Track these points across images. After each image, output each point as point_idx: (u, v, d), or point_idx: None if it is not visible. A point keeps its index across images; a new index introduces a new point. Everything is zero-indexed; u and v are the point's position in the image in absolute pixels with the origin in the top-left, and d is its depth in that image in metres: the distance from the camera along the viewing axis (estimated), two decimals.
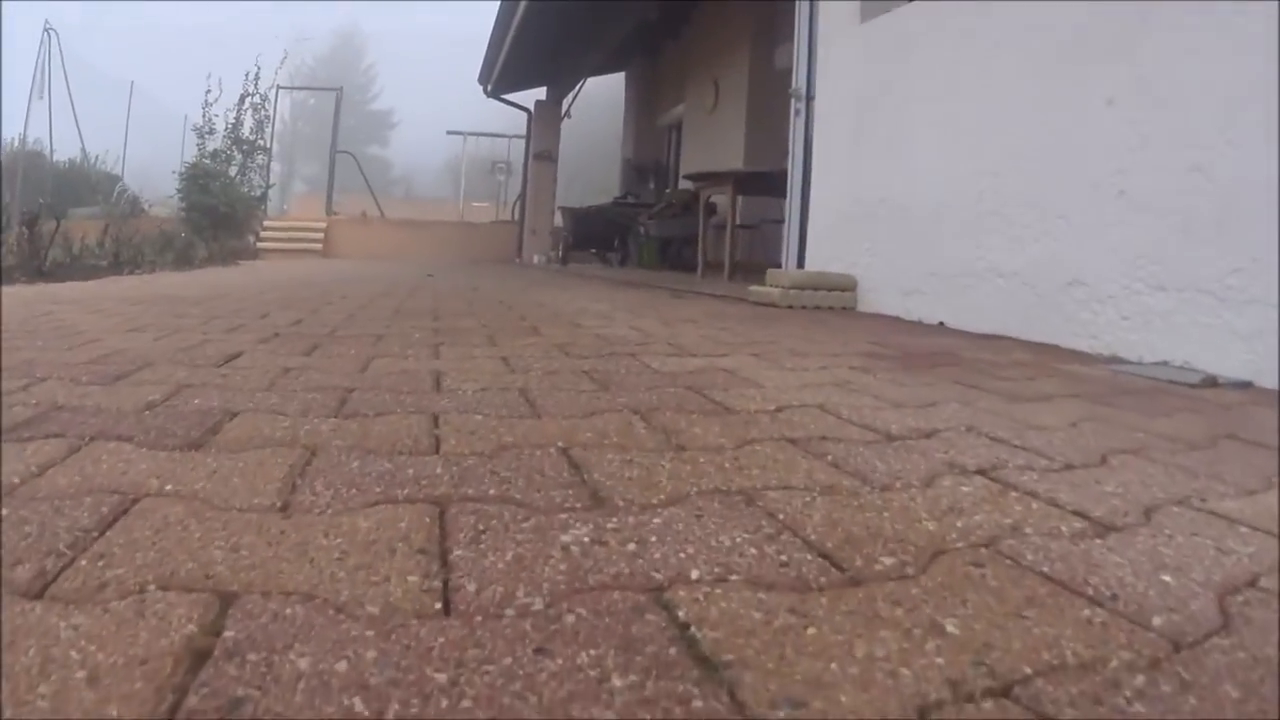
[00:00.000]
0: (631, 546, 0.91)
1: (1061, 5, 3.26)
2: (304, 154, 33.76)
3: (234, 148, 13.89)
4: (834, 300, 4.58)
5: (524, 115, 15.70)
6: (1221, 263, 2.55)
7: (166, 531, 0.91)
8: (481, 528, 0.95)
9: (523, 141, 16.28)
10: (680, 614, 0.75)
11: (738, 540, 0.93)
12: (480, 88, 15.27)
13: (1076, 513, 1.09)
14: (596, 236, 12.69)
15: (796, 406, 1.74)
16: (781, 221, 5.64)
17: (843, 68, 4.92)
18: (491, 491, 1.09)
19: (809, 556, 0.90)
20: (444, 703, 0.60)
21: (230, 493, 1.05)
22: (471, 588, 0.79)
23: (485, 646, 0.68)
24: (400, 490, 1.08)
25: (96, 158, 17.90)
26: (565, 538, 0.92)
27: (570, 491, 1.10)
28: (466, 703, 0.60)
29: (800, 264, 5.14)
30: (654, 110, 15.67)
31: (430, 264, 11.96)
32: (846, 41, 4.88)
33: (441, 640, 0.68)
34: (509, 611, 0.74)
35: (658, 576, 0.83)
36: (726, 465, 1.25)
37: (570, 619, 0.73)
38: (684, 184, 10.97)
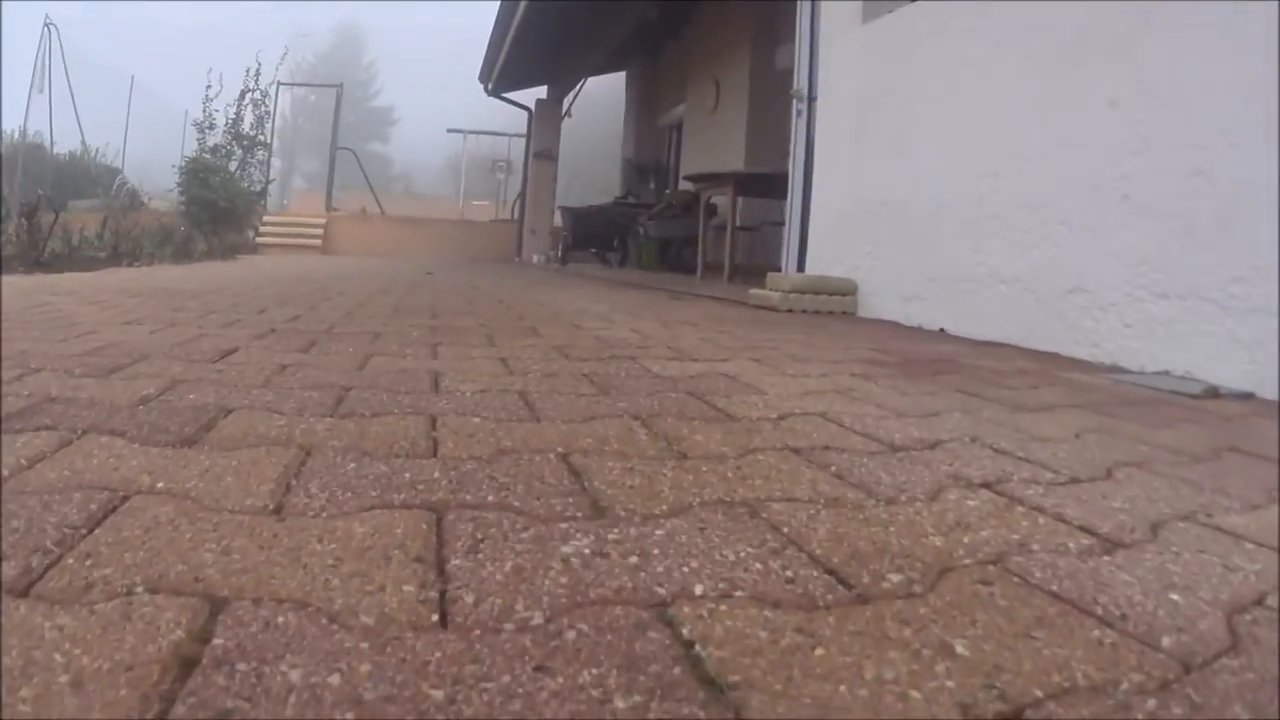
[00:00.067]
0: (634, 559, 0.89)
1: (1062, 6, 3.25)
2: (304, 150, 33.70)
3: (234, 143, 13.89)
4: (834, 305, 4.57)
5: (524, 114, 15.69)
6: (1223, 270, 2.54)
7: (156, 531, 0.89)
8: (480, 536, 0.93)
9: (523, 140, 16.27)
10: (684, 631, 0.73)
11: (742, 554, 0.92)
12: (481, 86, 15.26)
13: (1083, 529, 1.07)
14: (596, 236, 12.68)
15: (799, 414, 1.72)
16: (782, 224, 5.62)
17: (844, 68, 4.91)
18: (490, 498, 1.07)
19: (815, 572, 0.88)
20: None
21: (223, 492, 1.03)
22: (469, 599, 0.77)
23: (483, 662, 0.66)
24: (397, 495, 1.06)
25: (97, 151, 17.87)
26: (566, 549, 0.90)
27: (570, 500, 1.08)
28: None
29: (800, 267, 5.13)
30: (655, 110, 15.66)
31: (429, 262, 11.95)
32: (848, 42, 4.87)
33: (438, 655, 0.66)
34: (508, 626, 0.72)
35: (661, 591, 0.81)
36: (729, 475, 1.24)
37: (571, 635, 0.71)
38: (684, 185, 10.96)
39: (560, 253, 13.13)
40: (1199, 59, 2.68)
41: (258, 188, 14.37)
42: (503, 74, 14.26)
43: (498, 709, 0.60)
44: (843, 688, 0.65)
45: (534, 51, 12.88)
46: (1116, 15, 3.01)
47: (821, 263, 4.93)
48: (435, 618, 0.73)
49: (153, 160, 17.10)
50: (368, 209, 17.13)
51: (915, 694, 0.64)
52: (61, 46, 16.29)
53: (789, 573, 0.87)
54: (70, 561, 0.80)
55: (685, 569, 0.87)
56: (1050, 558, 0.95)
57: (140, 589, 0.75)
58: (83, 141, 17.53)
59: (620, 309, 4.44)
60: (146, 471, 1.10)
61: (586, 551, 0.90)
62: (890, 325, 4.10)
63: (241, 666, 0.63)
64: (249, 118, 14.19)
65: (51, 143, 16.56)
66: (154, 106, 19.87)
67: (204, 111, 13.48)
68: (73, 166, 17.07)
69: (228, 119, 13.84)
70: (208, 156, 13.14)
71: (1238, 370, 2.46)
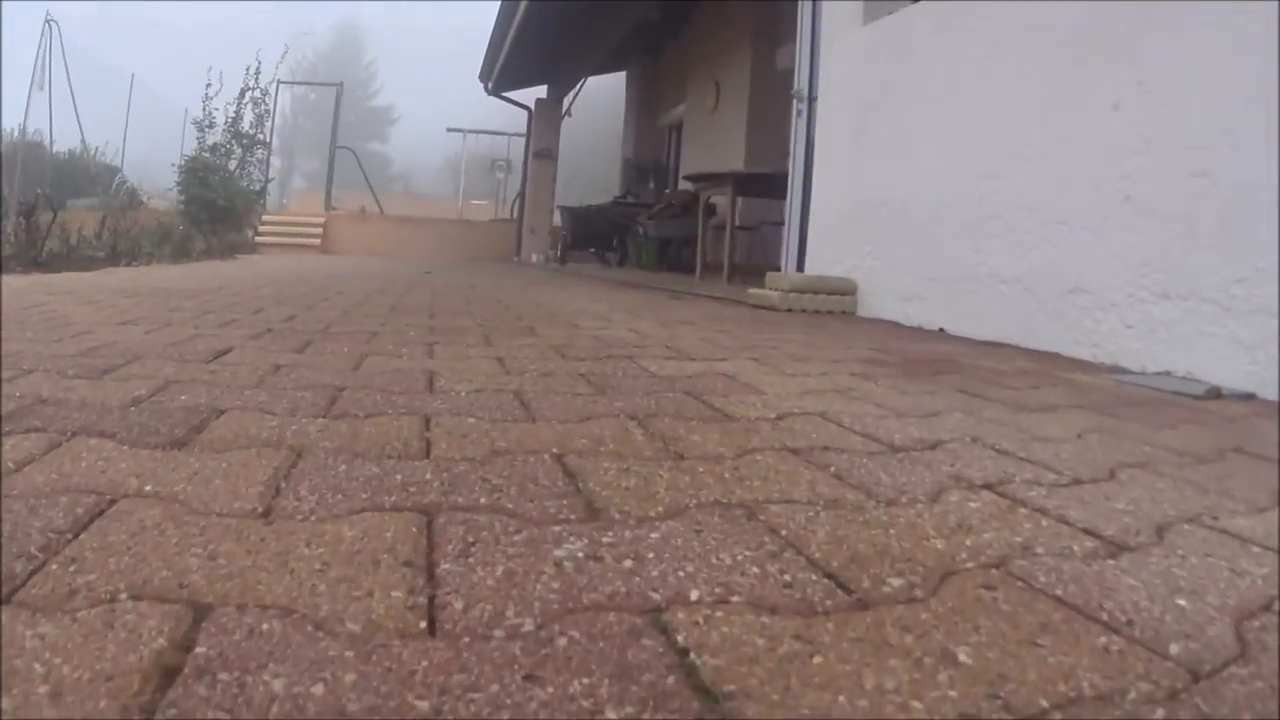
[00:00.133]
0: (628, 563, 0.87)
1: (1063, 6, 3.23)
2: (304, 149, 33.71)
3: (234, 142, 13.89)
4: (833, 304, 4.55)
5: (524, 113, 15.68)
6: (1225, 271, 2.52)
7: (143, 536, 0.87)
8: (471, 539, 0.91)
9: (523, 139, 16.26)
10: (679, 638, 0.71)
11: (739, 558, 0.90)
12: (481, 85, 15.25)
13: (1088, 531, 1.05)
14: (595, 236, 12.67)
15: (798, 414, 1.71)
16: (781, 224, 5.61)
17: (845, 69, 4.89)
18: (482, 500, 1.05)
19: (814, 577, 0.86)
20: None
21: (211, 495, 1.02)
22: (459, 606, 0.75)
23: (471, 671, 0.64)
24: (387, 497, 1.04)
25: (96, 149, 17.87)
26: (558, 552, 0.89)
27: (564, 502, 1.06)
28: None
29: (800, 267, 5.11)
30: (654, 110, 15.66)
31: (428, 261, 11.94)
32: (849, 42, 4.85)
33: (425, 664, 0.65)
34: (497, 633, 0.70)
35: (655, 597, 0.79)
36: (726, 476, 1.22)
37: (562, 642, 0.69)
38: (684, 184, 10.94)
39: (559, 252, 13.12)
40: (1200, 59, 2.66)
41: (257, 187, 14.37)
42: (503, 73, 14.25)
43: None
44: (842, 697, 0.63)
45: (534, 51, 12.87)
46: (1117, 15, 2.99)
47: (821, 262, 4.92)
48: (423, 624, 0.71)
49: (152, 159, 17.11)
50: (367, 208, 17.12)
51: (917, 704, 0.63)
52: (62, 44, 16.30)
53: (787, 577, 0.85)
54: (54, 567, 0.79)
55: (680, 573, 0.85)
56: (1054, 561, 0.94)
57: (124, 596, 0.74)
58: (82, 140, 17.54)
59: (618, 308, 4.42)
60: (135, 474, 1.09)
61: (580, 555, 0.88)
62: (890, 325, 4.09)
63: (223, 676, 0.61)
64: (249, 116, 14.21)
65: (51, 141, 16.57)
66: (154, 105, 19.87)
67: (204, 110, 13.50)
68: (72, 165, 17.07)
69: (227, 118, 13.86)
70: (207, 155, 13.15)
71: (1239, 371, 2.44)
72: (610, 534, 0.95)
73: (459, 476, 1.15)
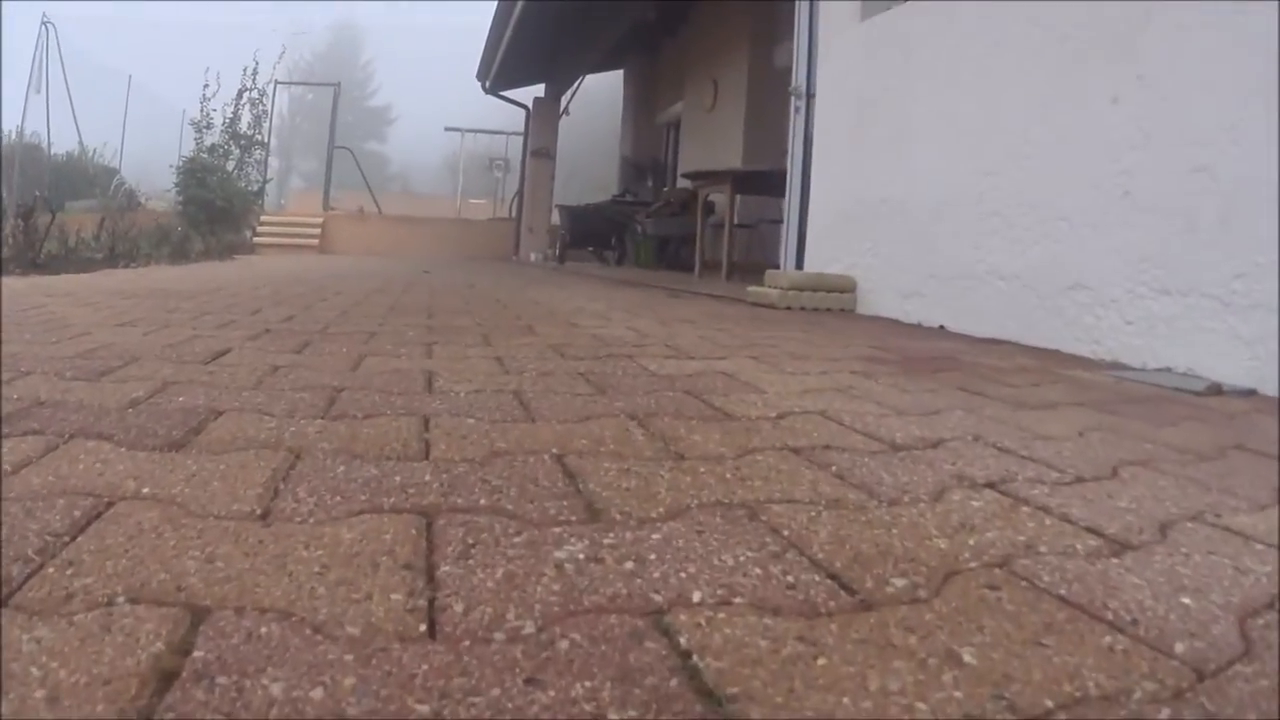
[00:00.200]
0: (629, 565, 0.86)
1: (1063, 3, 3.22)
2: (302, 149, 33.63)
3: (231, 142, 13.89)
4: (832, 302, 4.55)
5: (522, 112, 15.67)
6: (1226, 266, 2.52)
7: (140, 538, 0.87)
8: (471, 541, 0.90)
9: (521, 138, 16.25)
10: (681, 641, 0.70)
11: (741, 559, 0.89)
12: (479, 84, 15.23)
13: (1090, 530, 1.05)
14: (594, 235, 12.66)
15: (798, 413, 1.70)
16: (779, 221, 5.60)
17: (843, 66, 4.89)
18: (482, 502, 1.04)
19: (817, 577, 0.85)
20: None
21: (209, 498, 1.01)
22: (459, 608, 0.74)
23: (472, 675, 0.63)
24: (386, 499, 1.04)
25: (94, 151, 17.85)
26: (559, 554, 0.88)
27: (565, 503, 1.05)
28: None
29: (799, 265, 5.11)
30: (652, 108, 15.64)
31: (427, 260, 11.93)
32: (847, 39, 4.85)
33: (425, 667, 0.64)
34: (498, 636, 0.70)
35: (657, 598, 0.78)
36: (728, 476, 1.21)
37: (564, 645, 0.68)
38: (682, 182, 10.94)
39: (558, 251, 13.11)
40: (1200, 55, 2.65)
41: (255, 187, 14.37)
42: (500, 72, 14.24)
43: None
44: (846, 699, 0.62)
45: (531, 49, 12.87)
46: (1117, 11, 2.98)
47: (820, 260, 4.91)
48: (423, 627, 0.71)
49: (150, 160, 17.10)
50: (365, 208, 17.10)
51: (921, 705, 0.62)
52: (59, 46, 16.27)
53: (789, 578, 0.85)
54: (51, 571, 0.78)
55: (682, 574, 0.84)
56: (1058, 560, 0.93)
57: (121, 599, 0.73)
58: (80, 142, 17.53)
59: (618, 307, 4.42)
60: (133, 476, 1.08)
61: (580, 557, 0.88)
62: (889, 322, 4.08)
63: (222, 680, 0.61)
64: (246, 117, 14.22)
65: (49, 143, 16.56)
66: (151, 106, 19.83)
67: (201, 111, 13.50)
68: (70, 167, 17.06)
69: (225, 118, 13.87)
70: (205, 156, 13.14)
71: (1239, 367, 2.44)
72: (611, 535, 0.94)
73: (458, 478, 1.14)
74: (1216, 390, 2.32)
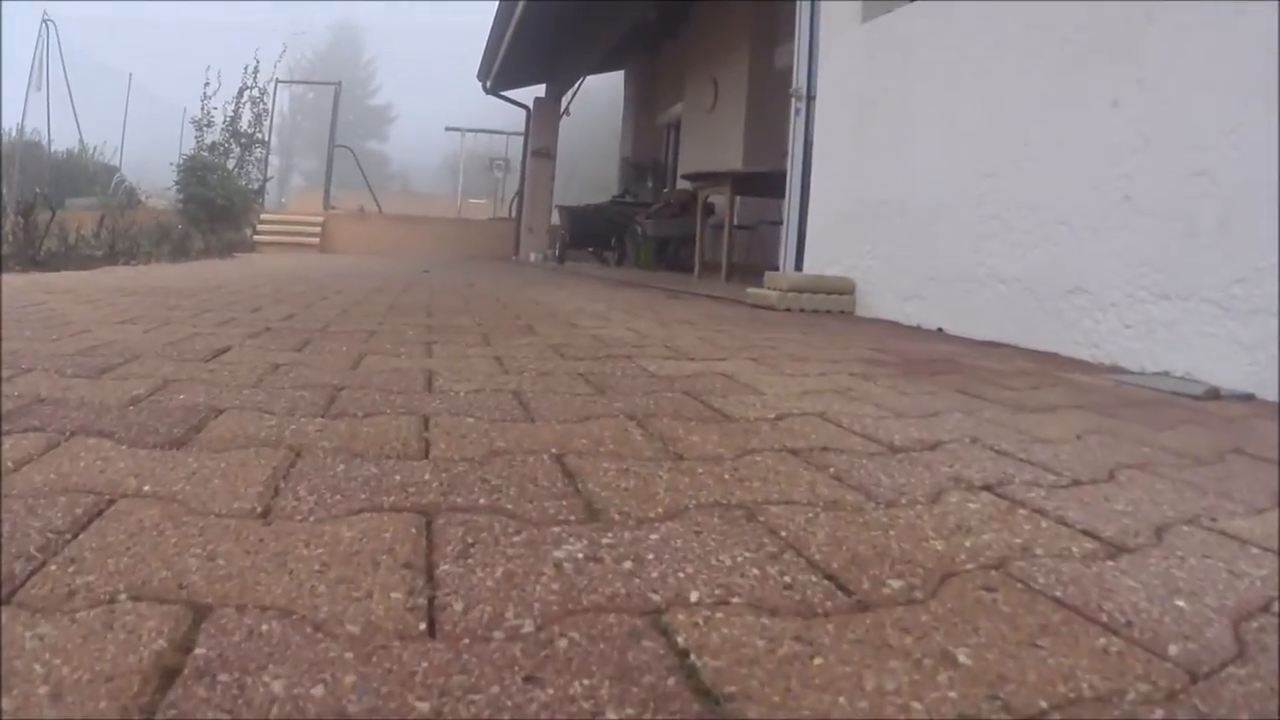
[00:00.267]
0: (628, 564, 0.87)
1: (1063, 5, 3.23)
2: (302, 148, 33.63)
3: (232, 141, 13.88)
4: (832, 304, 4.55)
5: (523, 112, 15.67)
6: (1225, 271, 2.52)
7: (141, 536, 0.87)
8: (470, 540, 0.91)
9: (521, 138, 16.25)
10: (679, 640, 0.71)
11: (739, 559, 0.90)
12: (479, 84, 15.24)
13: (1087, 532, 1.05)
14: (593, 235, 12.66)
15: (797, 415, 1.71)
16: (779, 223, 5.61)
17: (844, 67, 4.89)
18: (482, 501, 1.05)
19: (814, 578, 0.86)
20: None
21: (210, 496, 1.01)
22: (458, 607, 0.75)
23: (471, 673, 0.64)
24: (386, 497, 1.04)
25: (94, 149, 17.84)
26: (558, 553, 0.89)
27: (564, 502, 1.06)
28: None
29: (798, 266, 5.11)
30: (653, 109, 15.65)
31: (427, 260, 11.93)
32: (848, 40, 4.85)
33: (425, 665, 0.64)
34: (497, 634, 0.70)
35: (655, 598, 0.79)
36: (726, 477, 1.22)
37: (562, 644, 0.69)
38: (682, 183, 10.94)
39: (558, 251, 13.11)
40: (1201, 58, 2.66)
41: (255, 186, 14.36)
42: (501, 72, 14.25)
43: None
44: (842, 698, 0.63)
45: (532, 50, 12.87)
46: (1117, 14, 2.99)
47: (819, 262, 4.91)
48: (423, 626, 0.71)
49: (151, 158, 17.08)
50: (365, 207, 17.10)
51: (917, 705, 0.63)
52: (60, 44, 16.27)
53: (787, 578, 0.85)
54: (53, 568, 0.79)
55: (680, 574, 0.85)
56: (1054, 563, 0.94)
57: (123, 596, 0.73)
58: (80, 139, 17.51)
59: (617, 308, 4.42)
60: (134, 474, 1.09)
61: (579, 556, 0.88)
62: (889, 325, 4.09)
63: (223, 677, 0.61)
64: (247, 115, 14.22)
65: (49, 140, 16.54)
66: (152, 104, 19.82)
67: (202, 109, 13.50)
68: (70, 164, 17.04)
69: (226, 117, 13.86)
70: (206, 154, 13.14)
71: (1239, 371, 2.44)
72: (610, 535, 0.95)
73: (458, 477, 1.15)
74: (1215, 395, 2.32)
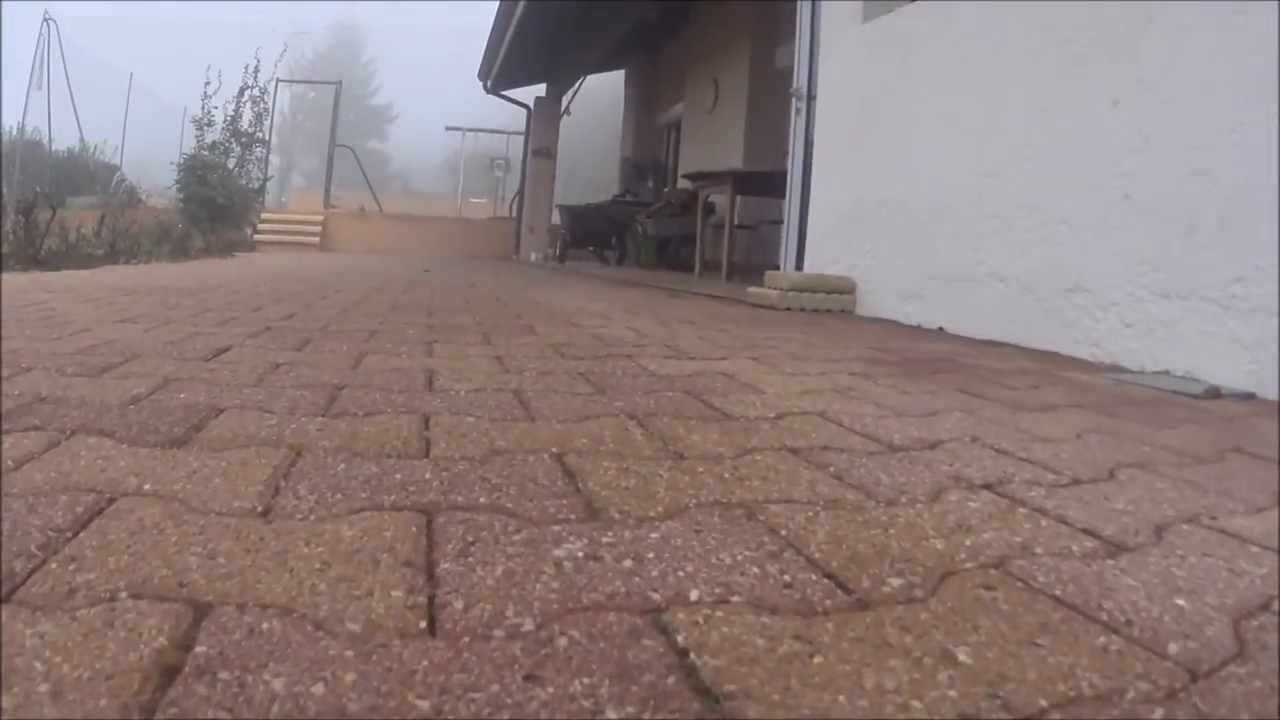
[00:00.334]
0: (628, 563, 0.87)
1: (1063, 5, 3.23)
2: (303, 147, 33.65)
3: (233, 140, 13.87)
4: (832, 303, 4.55)
5: (523, 112, 15.67)
6: (1225, 270, 2.52)
7: (142, 535, 0.87)
8: (471, 539, 0.91)
9: (522, 138, 16.25)
10: (679, 638, 0.71)
11: (739, 558, 0.90)
12: (480, 83, 15.23)
13: (1087, 531, 1.05)
14: (594, 235, 12.66)
15: (797, 414, 1.71)
16: (780, 222, 5.61)
17: (844, 67, 4.89)
18: (482, 500, 1.05)
19: (814, 577, 0.86)
20: None
21: (210, 494, 1.01)
22: (459, 605, 0.75)
23: (472, 671, 0.64)
24: (387, 496, 1.04)
25: (95, 148, 17.82)
26: (558, 552, 0.89)
27: (564, 501, 1.06)
28: None
29: (799, 266, 5.11)
30: (653, 108, 15.65)
31: (427, 259, 11.93)
32: (848, 40, 4.85)
33: (425, 663, 0.65)
34: (498, 633, 0.70)
35: (655, 597, 0.79)
36: (726, 476, 1.22)
37: (562, 642, 0.69)
38: (682, 183, 10.94)
39: (558, 251, 13.11)
40: (1201, 58, 2.66)
41: (256, 185, 14.35)
42: (502, 72, 14.25)
43: None
44: (842, 697, 0.63)
45: (533, 49, 12.87)
46: (1117, 14, 2.99)
47: (820, 261, 4.91)
48: (423, 624, 0.71)
49: (151, 157, 17.06)
50: (366, 206, 17.11)
51: (917, 704, 0.63)
52: (60, 43, 16.26)
53: (787, 577, 0.85)
54: (54, 566, 0.79)
55: (680, 573, 0.85)
56: (1053, 561, 0.94)
57: (124, 594, 0.73)
58: (81, 138, 17.50)
59: (617, 307, 4.42)
60: (134, 473, 1.09)
61: (579, 555, 0.88)
62: (889, 324, 4.09)
63: (224, 675, 0.61)
64: (248, 115, 14.20)
65: (50, 139, 16.53)
66: (153, 104, 19.82)
67: (203, 108, 13.48)
68: (71, 163, 17.02)
69: (226, 116, 13.84)
70: (206, 153, 13.13)
71: (1239, 370, 2.44)
72: (610, 534, 0.95)
73: (458, 476, 1.15)
74: (1215, 394, 2.32)
